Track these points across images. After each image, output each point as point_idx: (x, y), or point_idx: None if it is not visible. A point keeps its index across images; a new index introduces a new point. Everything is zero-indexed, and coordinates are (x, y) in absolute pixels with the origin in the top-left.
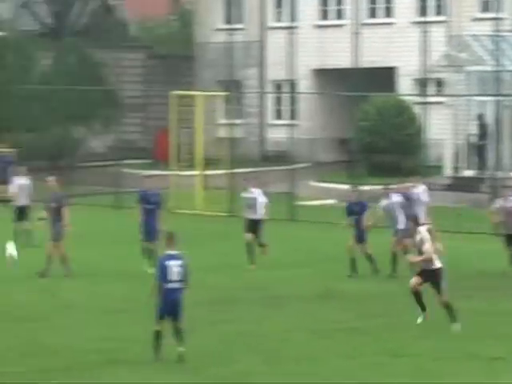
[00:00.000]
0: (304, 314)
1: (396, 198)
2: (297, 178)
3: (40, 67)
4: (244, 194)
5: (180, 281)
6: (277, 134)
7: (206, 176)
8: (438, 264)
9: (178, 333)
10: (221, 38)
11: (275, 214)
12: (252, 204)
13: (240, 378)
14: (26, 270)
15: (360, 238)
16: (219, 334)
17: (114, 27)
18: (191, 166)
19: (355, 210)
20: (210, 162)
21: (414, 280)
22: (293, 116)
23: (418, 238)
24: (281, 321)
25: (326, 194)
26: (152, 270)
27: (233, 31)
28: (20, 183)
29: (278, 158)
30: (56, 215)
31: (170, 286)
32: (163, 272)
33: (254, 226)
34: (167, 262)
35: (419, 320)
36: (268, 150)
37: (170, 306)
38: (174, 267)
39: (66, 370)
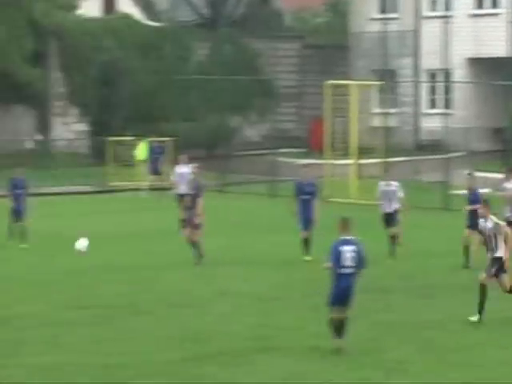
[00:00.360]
0: (458, 303)
1: (510, 185)
2: (451, 167)
3: (196, 57)
4: (383, 187)
5: (353, 266)
6: (431, 123)
7: (360, 165)
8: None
9: (342, 322)
10: (375, 27)
11: (429, 203)
12: (390, 197)
13: (394, 366)
14: (181, 258)
15: (473, 227)
16: (374, 323)
17: (270, 17)
18: (345, 155)
19: (471, 199)
20: (364, 151)
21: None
22: (447, 105)
23: (489, 225)
24: (434, 310)
25: (481, 183)
26: (309, 259)
27: (387, 21)
28: (181, 172)
29: (433, 146)
30: (191, 203)
31: (343, 271)
32: (337, 257)
33: (389, 218)
34: (341, 248)
35: (473, 318)
36: (422, 139)
37: (342, 292)
38: (348, 252)
39: (220, 355)
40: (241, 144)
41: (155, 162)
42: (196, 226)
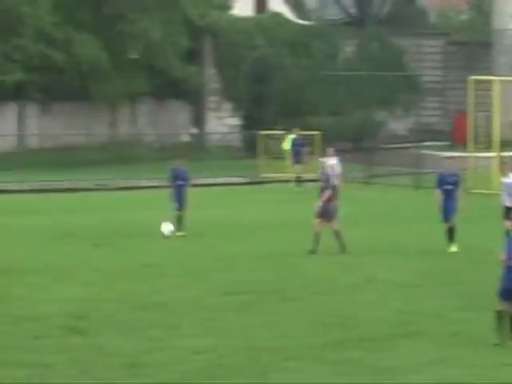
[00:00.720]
0: None
1: None
2: None
3: (344, 54)
4: (503, 180)
5: None
6: None
7: (502, 158)
8: None
9: None
10: None
11: None
12: (509, 190)
13: None
14: (326, 246)
15: None
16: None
17: (415, 15)
18: (488, 148)
19: None
20: (506, 144)
21: None
22: None
23: None
24: None
25: None
26: (454, 250)
27: None
28: (329, 164)
29: None
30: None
31: None
32: (510, 250)
33: (508, 212)
34: None
35: None
36: None
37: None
38: None
39: (361, 340)
40: (386, 137)
41: (297, 154)
42: (330, 218)
